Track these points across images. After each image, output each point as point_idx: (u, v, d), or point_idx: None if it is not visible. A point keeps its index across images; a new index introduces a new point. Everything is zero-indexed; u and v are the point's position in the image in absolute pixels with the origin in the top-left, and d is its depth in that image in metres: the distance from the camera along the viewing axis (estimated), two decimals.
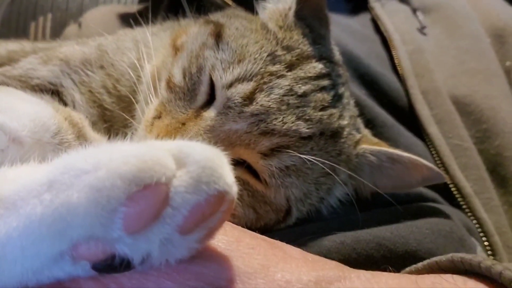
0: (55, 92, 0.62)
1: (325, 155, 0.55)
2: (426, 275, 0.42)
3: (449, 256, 0.43)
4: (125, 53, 0.64)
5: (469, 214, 0.63)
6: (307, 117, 0.54)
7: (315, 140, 0.55)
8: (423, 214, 0.60)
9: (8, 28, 0.92)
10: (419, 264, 0.45)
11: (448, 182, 0.65)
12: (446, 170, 0.65)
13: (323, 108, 0.57)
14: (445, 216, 0.60)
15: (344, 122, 0.59)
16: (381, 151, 0.60)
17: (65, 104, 0.62)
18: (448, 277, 0.41)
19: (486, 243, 0.61)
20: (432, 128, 0.68)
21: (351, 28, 0.79)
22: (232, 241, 0.38)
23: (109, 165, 0.31)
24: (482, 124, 0.70)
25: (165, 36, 0.66)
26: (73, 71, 0.63)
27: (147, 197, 0.30)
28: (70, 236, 0.30)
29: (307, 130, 0.54)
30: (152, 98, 0.58)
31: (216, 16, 0.64)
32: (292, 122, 0.53)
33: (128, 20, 0.75)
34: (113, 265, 0.32)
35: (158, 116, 0.56)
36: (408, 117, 0.70)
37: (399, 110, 0.71)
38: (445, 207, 0.63)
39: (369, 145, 0.61)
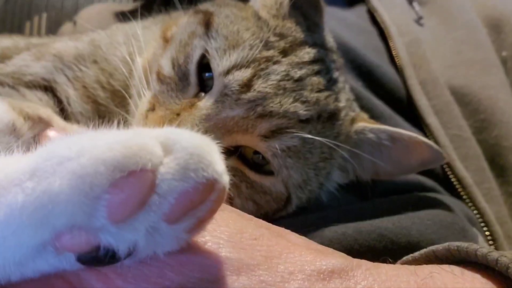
0: (48, 88, 0.62)
1: (324, 138, 0.55)
2: (424, 266, 0.42)
3: (445, 245, 0.42)
4: (117, 47, 0.64)
5: (470, 204, 0.63)
6: (304, 99, 0.54)
7: (313, 124, 0.55)
8: (425, 205, 0.59)
9: (3, 27, 0.91)
10: (416, 253, 0.44)
11: (445, 164, 0.64)
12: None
13: (320, 91, 0.56)
14: (447, 207, 0.59)
15: (341, 104, 0.59)
16: (380, 129, 0.59)
17: (59, 100, 0.61)
18: (446, 266, 0.41)
19: (487, 233, 0.61)
20: (431, 119, 0.67)
21: (347, 20, 0.79)
22: (234, 232, 0.38)
23: (93, 151, 0.30)
24: (480, 114, 0.69)
25: (156, 29, 0.66)
26: (67, 66, 0.63)
27: (131, 183, 0.29)
28: (52, 225, 0.29)
29: (305, 112, 0.54)
30: (144, 92, 0.58)
31: (205, 6, 0.64)
32: (290, 104, 0.53)
33: (123, 17, 0.74)
34: (98, 257, 0.31)
35: (152, 109, 0.56)
36: (406, 108, 0.69)
37: (396, 102, 0.70)
38: (446, 198, 0.62)
39: (368, 123, 0.61)
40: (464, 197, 0.63)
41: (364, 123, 0.61)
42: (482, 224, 0.61)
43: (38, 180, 0.29)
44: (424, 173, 0.64)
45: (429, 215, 0.57)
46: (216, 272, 0.35)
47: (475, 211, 0.62)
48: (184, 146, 0.32)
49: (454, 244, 0.42)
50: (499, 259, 0.39)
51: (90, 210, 0.29)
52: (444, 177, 0.65)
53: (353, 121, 0.60)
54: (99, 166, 0.29)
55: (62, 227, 0.29)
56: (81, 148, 0.30)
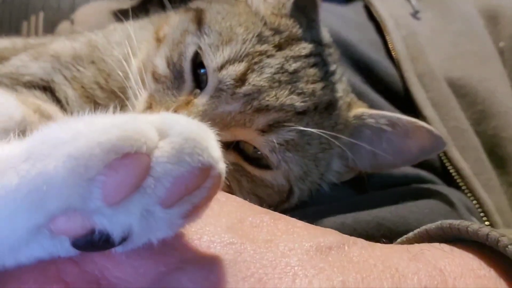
0: (47, 89, 0.62)
1: (322, 129, 0.55)
2: (416, 244, 0.43)
3: (438, 223, 0.43)
4: (114, 47, 0.64)
5: (469, 195, 0.62)
6: (300, 91, 0.54)
7: (310, 115, 0.55)
8: (423, 195, 0.59)
9: (0, 28, 0.92)
10: (410, 234, 0.45)
11: (444, 156, 0.64)
12: (445, 152, 0.65)
13: (315, 82, 0.56)
14: (445, 196, 0.59)
15: (338, 94, 0.59)
16: (380, 114, 0.59)
17: (58, 100, 0.62)
18: (436, 244, 0.42)
19: (487, 223, 0.60)
20: (429, 111, 0.67)
21: (344, 16, 0.79)
22: (235, 222, 0.39)
23: (89, 134, 0.30)
24: (478, 106, 0.69)
25: (151, 29, 0.66)
26: (64, 67, 0.63)
27: (126, 166, 0.29)
28: (47, 208, 0.29)
29: (301, 104, 0.54)
30: (141, 92, 0.58)
31: (196, 3, 0.64)
32: (286, 97, 0.53)
33: (120, 16, 0.74)
34: (92, 241, 0.31)
35: (149, 108, 0.56)
36: (404, 102, 0.69)
37: (395, 95, 0.70)
38: (445, 188, 0.62)
39: (367, 109, 0.61)
40: (463, 187, 0.63)
41: (363, 109, 0.61)
42: (482, 214, 0.61)
43: (33, 163, 0.29)
44: (423, 166, 0.64)
45: (427, 204, 0.57)
46: (218, 252, 0.36)
47: (474, 202, 0.62)
48: (180, 130, 0.32)
49: (446, 222, 0.42)
50: (489, 233, 0.39)
51: (85, 192, 0.29)
52: (442, 170, 0.65)
53: (349, 106, 0.61)
54: (94, 148, 0.29)
55: (57, 209, 0.29)
56: (76, 132, 0.30)
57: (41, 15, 0.91)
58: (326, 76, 0.58)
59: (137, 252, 0.33)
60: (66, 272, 0.33)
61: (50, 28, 0.89)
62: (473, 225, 0.41)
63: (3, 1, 0.95)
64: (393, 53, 0.73)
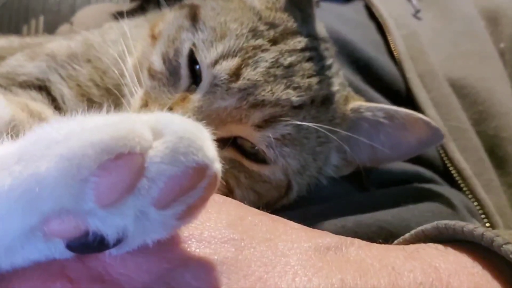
0: (43, 88, 0.62)
1: (319, 123, 0.54)
2: (412, 244, 0.43)
3: (434, 223, 0.43)
4: (110, 46, 0.64)
5: (470, 195, 0.62)
6: (296, 85, 0.54)
7: (307, 109, 0.54)
8: (425, 197, 0.58)
9: (0, 31, 0.92)
10: (407, 235, 0.45)
11: (445, 156, 0.64)
12: (445, 152, 0.64)
13: (311, 76, 0.56)
14: (446, 198, 0.59)
15: (334, 88, 0.58)
16: (377, 107, 0.59)
17: (53, 99, 0.62)
18: (431, 244, 0.43)
19: (487, 224, 0.60)
20: (430, 111, 0.66)
21: (344, 16, 0.79)
22: (235, 219, 0.39)
23: (81, 134, 0.29)
24: (478, 106, 0.69)
25: (147, 27, 0.66)
26: (60, 65, 0.63)
27: (119, 167, 0.29)
28: (40, 209, 0.29)
29: (297, 98, 0.53)
30: (136, 89, 0.58)
31: (191, 0, 0.64)
32: (281, 91, 0.53)
33: (120, 18, 0.75)
34: (87, 243, 0.30)
35: (145, 105, 0.56)
36: (404, 100, 0.69)
37: (395, 94, 0.69)
38: (446, 189, 0.62)
39: (365, 102, 0.61)
40: (464, 188, 0.63)
41: (360, 102, 0.60)
42: (483, 216, 0.61)
43: (26, 164, 0.29)
44: (423, 164, 0.64)
45: (428, 207, 0.57)
46: (219, 248, 0.36)
47: (475, 203, 0.62)
48: (174, 130, 0.32)
49: (442, 222, 0.42)
50: (484, 233, 0.39)
51: (78, 193, 0.29)
52: (443, 168, 0.65)
53: (346, 99, 0.60)
54: (87, 148, 0.28)
55: (50, 210, 0.29)
56: (69, 132, 0.30)
57: (41, 18, 0.92)
58: (322, 70, 0.57)
59: (140, 249, 0.33)
60: (70, 268, 0.33)
61: (50, 31, 0.89)
62: (469, 225, 0.41)
63: (3, 4, 0.95)
64: (394, 53, 0.72)
